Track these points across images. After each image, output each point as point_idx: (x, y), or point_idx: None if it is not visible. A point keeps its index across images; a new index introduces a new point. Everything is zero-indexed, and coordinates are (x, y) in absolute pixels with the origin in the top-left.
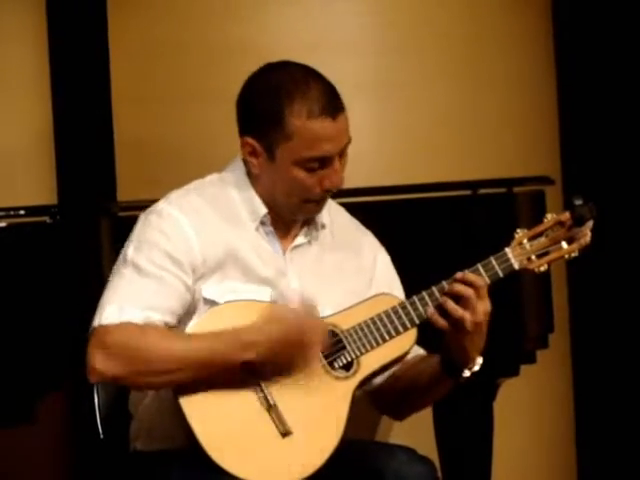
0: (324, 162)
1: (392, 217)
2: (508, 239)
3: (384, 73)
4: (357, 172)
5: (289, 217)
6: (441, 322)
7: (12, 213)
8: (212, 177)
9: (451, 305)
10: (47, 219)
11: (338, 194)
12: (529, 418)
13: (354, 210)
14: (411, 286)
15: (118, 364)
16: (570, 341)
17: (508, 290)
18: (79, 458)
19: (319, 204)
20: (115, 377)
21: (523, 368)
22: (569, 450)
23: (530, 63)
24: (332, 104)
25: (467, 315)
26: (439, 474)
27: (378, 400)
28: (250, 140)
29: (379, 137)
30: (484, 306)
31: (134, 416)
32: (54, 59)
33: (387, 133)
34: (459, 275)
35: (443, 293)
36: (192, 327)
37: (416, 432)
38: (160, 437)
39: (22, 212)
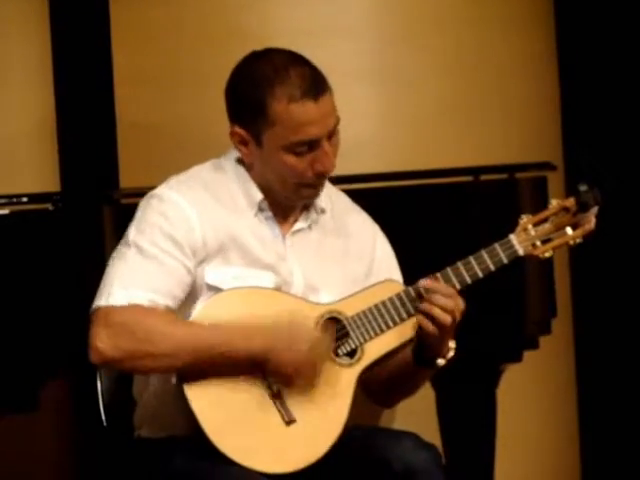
0: (312, 145)
1: (393, 203)
2: (510, 225)
3: (385, 59)
4: (358, 159)
5: (287, 203)
6: (431, 328)
7: (15, 200)
8: (210, 163)
9: (437, 312)
10: (50, 206)
11: (339, 180)
12: (532, 404)
13: (355, 197)
14: (413, 272)
15: (120, 344)
16: (573, 327)
17: (511, 276)
18: (82, 445)
19: (315, 188)
20: (115, 359)
21: (526, 354)
22: (572, 435)
23: (532, 48)
24: (314, 87)
25: (449, 318)
26: (443, 460)
27: (365, 388)
28: (238, 129)
29: (380, 123)
30: (457, 303)
31: (138, 403)
32: (56, 46)
33: (388, 119)
34: (426, 286)
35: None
36: (196, 313)
37: (419, 418)
38: (164, 424)
39: (25, 199)
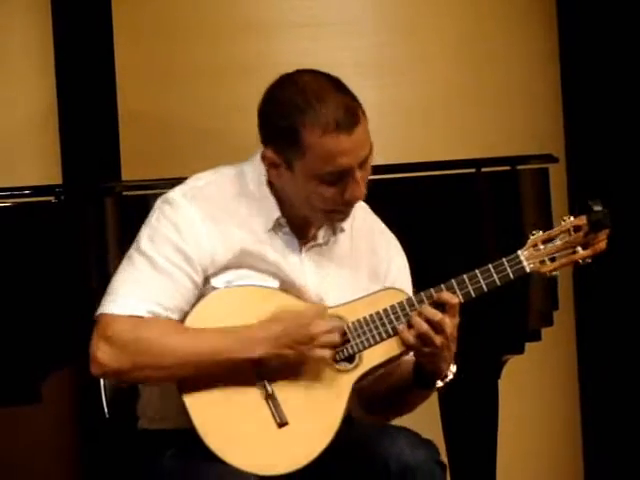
0: (343, 175)
1: (396, 196)
2: (512, 217)
3: (385, 52)
4: None
5: (310, 222)
6: (410, 340)
7: (17, 193)
8: (233, 169)
9: (423, 327)
10: (52, 199)
11: None
12: (534, 395)
13: None
14: (415, 265)
15: (121, 356)
16: (574, 319)
17: None
18: (85, 437)
19: (344, 214)
20: (116, 371)
21: (528, 346)
22: (574, 426)
23: (534, 40)
24: (348, 117)
25: (438, 339)
26: (441, 457)
27: (362, 402)
28: (270, 153)
29: (381, 116)
30: (453, 325)
31: (141, 394)
32: (58, 38)
33: (389, 112)
34: (435, 296)
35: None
36: (194, 312)
37: (421, 411)
38: (165, 417)
39: (27, 192)
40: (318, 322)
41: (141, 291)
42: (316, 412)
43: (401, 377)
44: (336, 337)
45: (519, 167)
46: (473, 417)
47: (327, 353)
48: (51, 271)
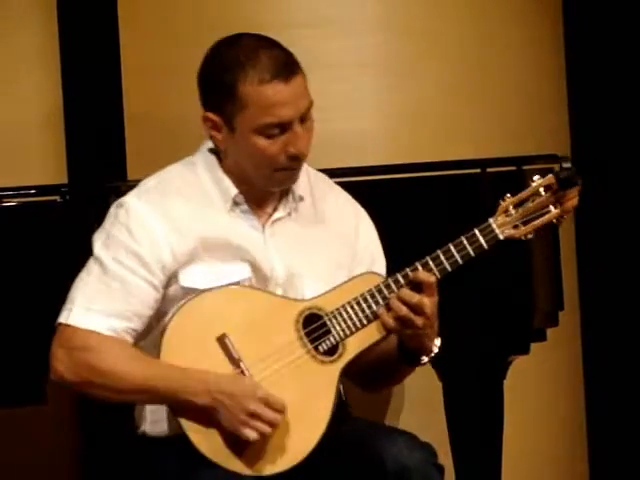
0: (284, 128)
1: (400, 196)
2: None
3: (389, 51)
4: (363, 151)
5: (264, 190)
6: (390, 323)
7: (22, 192)
8: (181, 162)
9: (403, 310)
10: (57, 198)
11: (343, 173)
12: (539, 395)
13: (360, 189)
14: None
15: (76, 370)
16: (580, 319)
17: (518, 268)
18: (89, 439)
19: (290, 172)
20: (71, 382)
21: (533, 346)
22: (580, 427)
23: (539, 40)
24: (284, 68)
25: (419, 320)
26: (439, 460)
27: (349, 374)
28: (210, 115)
29: (384, 116)
30: (432, 304)
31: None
32: (63, 38)
33: (393, 112)
34: (410, 275)
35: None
36: (172, 324)
37: (425, 412)
38: (163, 421)
39: (32, 191)
40: (263, 407)
41: (97, 301)
42: (305, 407)
43: (386, 352)
44: (265, 428)
45: (525, 167)
46: (478, 418)
47: (251, 435)
48: (56, 271)
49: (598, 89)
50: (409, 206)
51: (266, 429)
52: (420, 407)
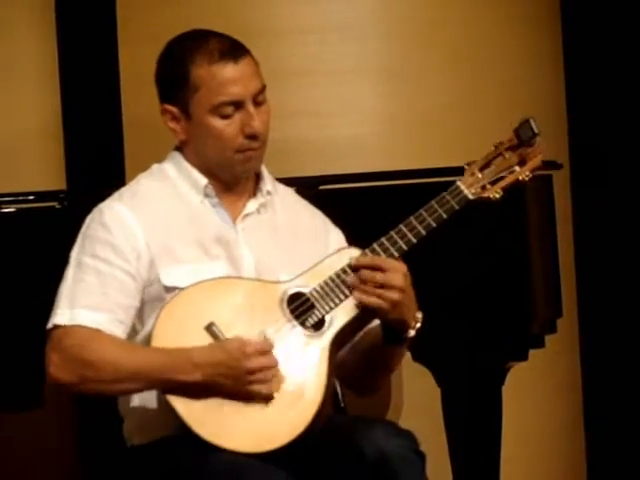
0: (237, 106)
1: (399, 202)
2: (515, 224)
3: (390, 57)
4: (363, 157)
5: (230, 180)
6: (364, 299)
7: (21, 198)
8: (149, 171)
9: (365, 298)
10: (56, 204)
11: (343, 179)
12: (537, 402)
13: (361, 195)
14: (418, 270)
15: (70, 370)
16: (578, 326)
17: (517, 275)
18: (87, 443)
19: (251, 153)
20: (67, 384)
21: (531, 353)
22: (578, 433)
23: (538, 46)
24: (233, 48)
25: (393, 294)
26: (421, 448)
27: (346, 381)
28: (167, 106)
29: (385, 121)
30: (399, 276)
31: (125, 417)
32: (62, 44)
33: (393, 117)
34: (353, 263)
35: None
36: (159, 322)
37: (424, 416)
38: (155, 428)
39: (31, 197)
40: (257, 358)
41: (78, 298)
42: (300, 381)
43: (372, 343)
44: (270, 375)
45: None
46: (477, 423)
47: (263, 389)
48: (55, 276)
49: (597, 97)
50: (406, 212)
51: (271, 376)
52: (419, 412)
